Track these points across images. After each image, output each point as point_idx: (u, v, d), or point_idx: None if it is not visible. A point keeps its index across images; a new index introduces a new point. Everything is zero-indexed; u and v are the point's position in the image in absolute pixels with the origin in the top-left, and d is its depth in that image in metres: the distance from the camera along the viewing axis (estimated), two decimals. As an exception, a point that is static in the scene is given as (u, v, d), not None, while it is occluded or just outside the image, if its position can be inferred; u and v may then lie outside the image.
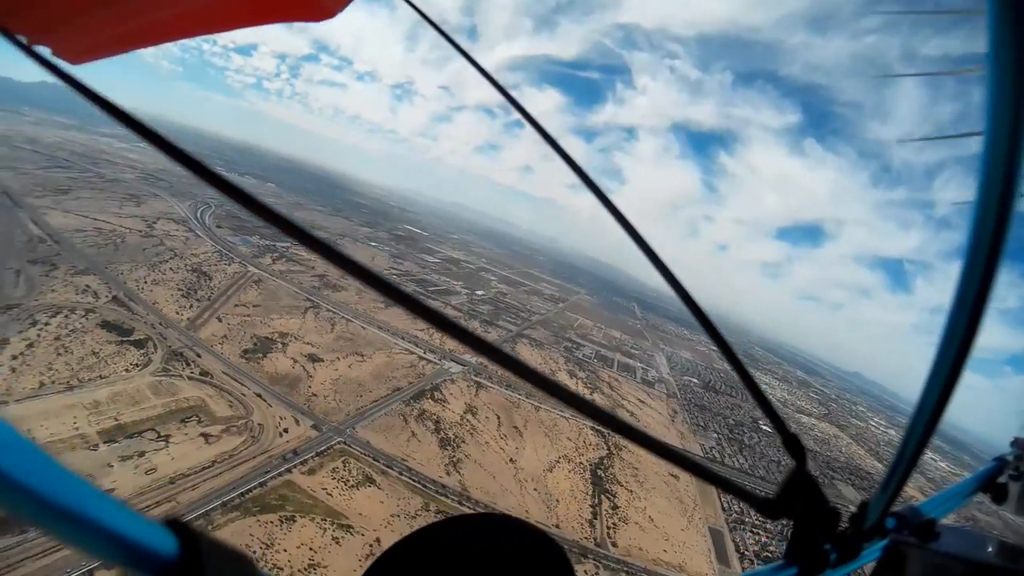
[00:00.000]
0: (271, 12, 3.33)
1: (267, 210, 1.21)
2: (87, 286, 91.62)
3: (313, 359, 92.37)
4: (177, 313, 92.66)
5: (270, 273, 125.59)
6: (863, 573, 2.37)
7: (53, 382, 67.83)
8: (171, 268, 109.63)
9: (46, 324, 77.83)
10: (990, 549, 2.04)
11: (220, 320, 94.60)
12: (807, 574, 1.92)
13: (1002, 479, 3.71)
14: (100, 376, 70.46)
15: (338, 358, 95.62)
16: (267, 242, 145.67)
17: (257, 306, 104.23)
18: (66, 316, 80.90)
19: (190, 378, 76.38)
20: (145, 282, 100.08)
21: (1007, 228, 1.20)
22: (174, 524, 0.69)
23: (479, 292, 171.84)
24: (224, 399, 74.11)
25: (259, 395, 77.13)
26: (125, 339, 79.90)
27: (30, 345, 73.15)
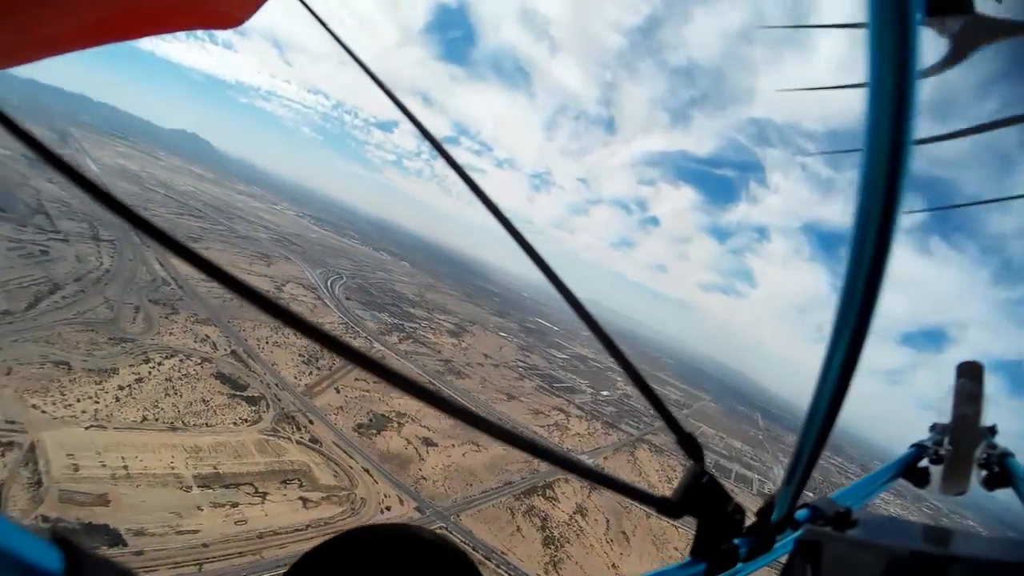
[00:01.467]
0: (177, 20, 3.46)
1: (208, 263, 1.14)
2: (207, 336, 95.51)
3: (427, 443, 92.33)
4: (295, 377, 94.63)
5: (395, 352, 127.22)
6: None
7: (156, 419, 70.15)
8: (294, 333, 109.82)
9: (159, 364, 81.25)
10: (913, 534, 2.17)
11: (338, 391, 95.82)
12: (716, 570, 2.03)
13: (922, 464, 4.09)
14: (206, 424, 72.69)
15: (453, 445, 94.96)
16: (395, 320, 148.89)
17: (377, 382, 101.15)
18: (181, 360, 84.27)
19: (298, 442, 77.35)
20: (267, 342, 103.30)
21: (899, 188, 1.21)
22: (60, 540, 0.71)
23: (604, 392, 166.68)
24: (330, 468, 74.80)
25: (367, 470, 77.85)
26: (238, 393, 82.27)
27: (139, 380, 76.33)
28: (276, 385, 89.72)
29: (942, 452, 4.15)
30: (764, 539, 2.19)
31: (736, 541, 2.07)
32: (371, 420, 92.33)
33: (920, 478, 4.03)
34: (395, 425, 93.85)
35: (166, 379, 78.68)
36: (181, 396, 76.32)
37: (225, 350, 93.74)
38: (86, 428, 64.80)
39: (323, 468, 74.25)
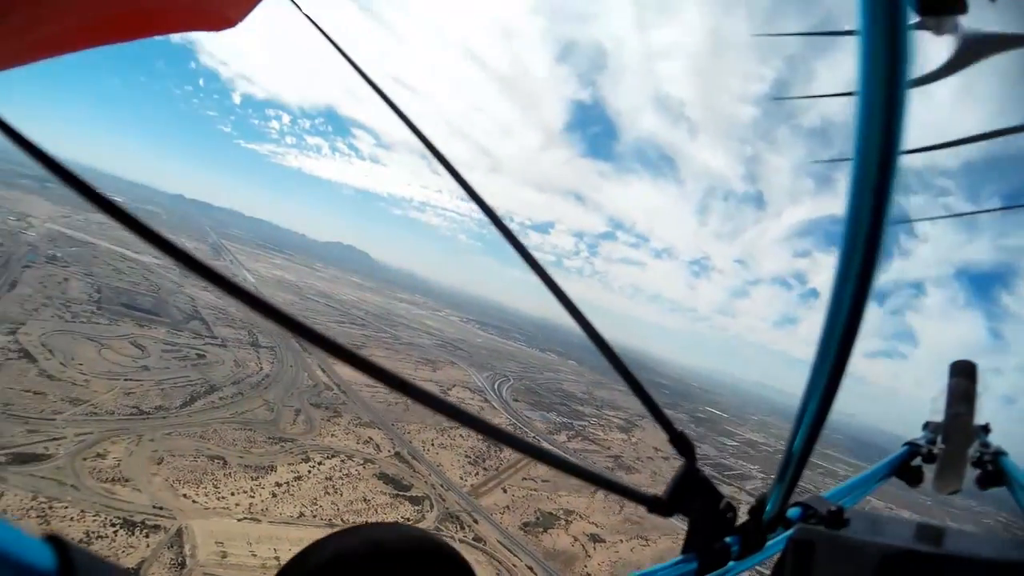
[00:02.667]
0: (171, 22, 3.61)
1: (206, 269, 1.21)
2: (370, 438, 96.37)
3: (595, 539, 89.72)
4: (461, 478, 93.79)
5: (564, 450, 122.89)
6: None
7: (314, 516, 70.01)
8: (461, 435, 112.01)
9: (319, 463, 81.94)
10: (905, 532, 2.30)
11: (505, 491, 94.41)
12: (707, 568, 2.12)
13: (915, 463, 4.24)
14: (365, 523, 67.44)
15: (621, 540, 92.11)
16: (564, 419, 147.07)
17: (546, 481, 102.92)
18: (342, 461, 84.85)
19: (461, 541, 75.56)
20: (432, 444, 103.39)
21: (890, 189, 1.30)
22: (52, 539, 0.73)
23: (773, 477, 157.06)
24: (492, 566, 73.74)
25: (530, 568, 76.33)
26: (401, 493, 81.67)
27: (298, 478, 76.87)
28: (441, 485, 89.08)
29: (935, 451, 4.30)
30: (756, 537, 2.26)
31: (728, 539, 2.16)
32: (538, 518, 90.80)
33: (913, 477, 4.15)
34: (562, 522, 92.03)
35: (326, 478, 78.80)
36: (341, 495, 76.24)
37: (389, 451, 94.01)
38: (239, 520, 64.89)
39: (486, 566, 73.09)
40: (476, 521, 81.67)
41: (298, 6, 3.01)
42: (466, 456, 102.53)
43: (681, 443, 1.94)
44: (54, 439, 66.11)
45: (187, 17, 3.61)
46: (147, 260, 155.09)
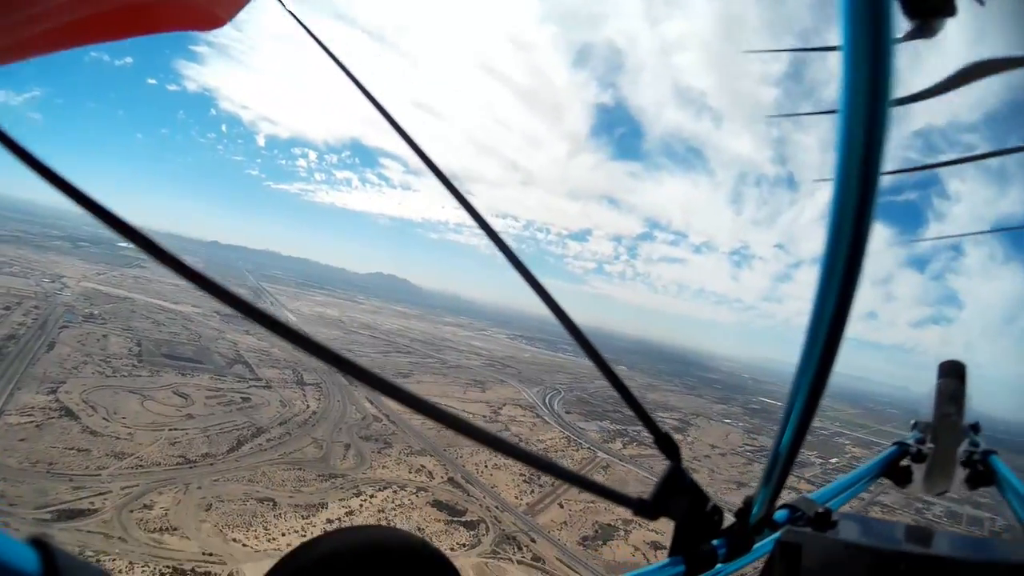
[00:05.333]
0: (159, 21, 3.67)
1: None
2: (422, 466, 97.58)
3: (655, 546, 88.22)
4: (516, 498, 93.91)
5: (619, 458, 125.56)
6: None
7: None
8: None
9: (371, 496, 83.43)
10: (893, 534, 2.37)
11: (562, 507, 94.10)
12: (694, 570, 2.14)
13: (904, 463, 4.36)
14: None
15: None
16: (618, 426, 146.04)
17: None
18: (395, 491, 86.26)
19: (519, 562, 76.54)
20: (485, 466, 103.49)
21: (871, 208, 1.34)
22: (37, 541, 0.75)
23: (833, 460, 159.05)
24: None
25: None
26: (456, 519, 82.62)
27: (350, 513, 78.43)
28: (496, 507, 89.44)
29: (924, 451, 4.40)
30: (743, 540, 2.28)
31: (715, 542, 2.18)
32: (596, 531, 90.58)
33: (902, 477, 4.25)
34: (621, 533, 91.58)
35: (379, 510, 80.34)
36: (396, 525, 75.62)
37: (442, 478, 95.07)
38: None
39: (546, 587, 73.39)
40: (534, 540, 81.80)
41: (284, 5, 3.11)
42: (520, 475, 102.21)
43: (665, 444, 2.02)
44: (100, 494, 68.16)
45: (177, 16, 3.73)
46: (186, 310, 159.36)
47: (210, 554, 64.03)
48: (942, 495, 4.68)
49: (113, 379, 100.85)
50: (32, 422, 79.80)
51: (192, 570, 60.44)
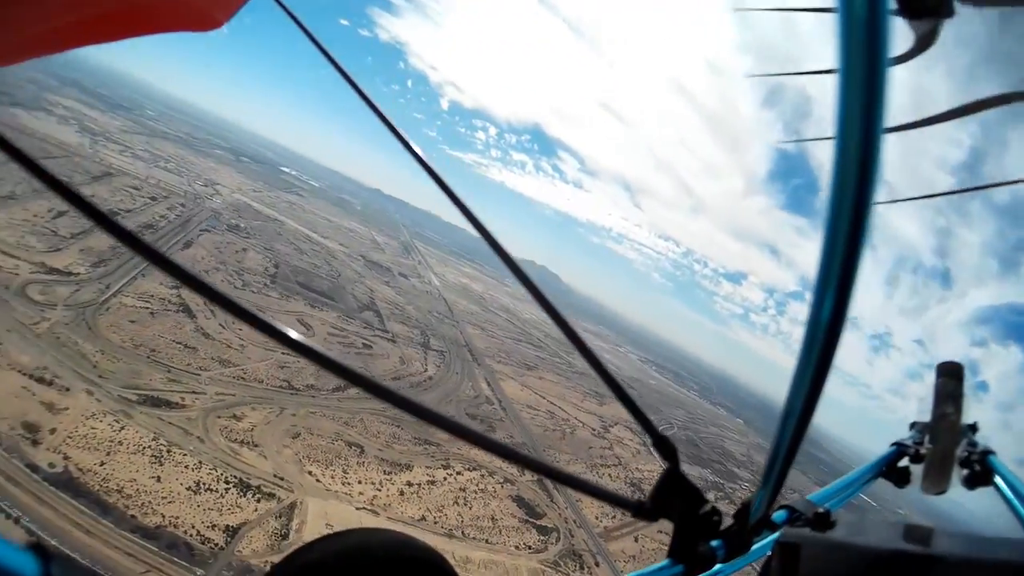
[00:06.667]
0: (159, 22, 3.91)
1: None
2: None
3: None
4: (596, 519, 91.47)
5: None
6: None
7: (436, 523, 71.54)
8: (610, 475, 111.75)
9: (458, 473, 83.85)
10: (893, 534, 2.24)
11: (636, 540, 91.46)
12: (693, 572, 2.17)
13: (902, 463, 4.44)
14: (486, 540, 73.38)
15: None
16: (717, 479, 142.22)
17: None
18: (482, 475, 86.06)
19: None
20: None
21: (869, 200, 1.35)
22: (35, 547, 0.77)
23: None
24: None
25: None
26: (530, 520, 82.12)
27: (431, 482, 79.07)
28: (574, 521, 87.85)
29: (923, 451, 4.49)
30: (741, 541, 2.29)
31: (713, 543, 2.17)
32: None
33: (901, 477, 4.32)
34: None
35: (460, 488, 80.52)
36: (470, 508, 77.43)
37: (532, 476, 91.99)
38: (357, 508, 67.05)
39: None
40: (597, 564, 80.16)
41: (281, 4, 3.19)
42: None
43: (664, 447, 1.96)
44: (193, 392, 71.26)
45: (175, 17, 3.87)
46: (332, 246, 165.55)
47: (281, 479, 65.22)
48: (940, 495, 4.41)
49: (241, 292, 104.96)
50: (147, 308, 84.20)
51: (258, 487, 61.93)
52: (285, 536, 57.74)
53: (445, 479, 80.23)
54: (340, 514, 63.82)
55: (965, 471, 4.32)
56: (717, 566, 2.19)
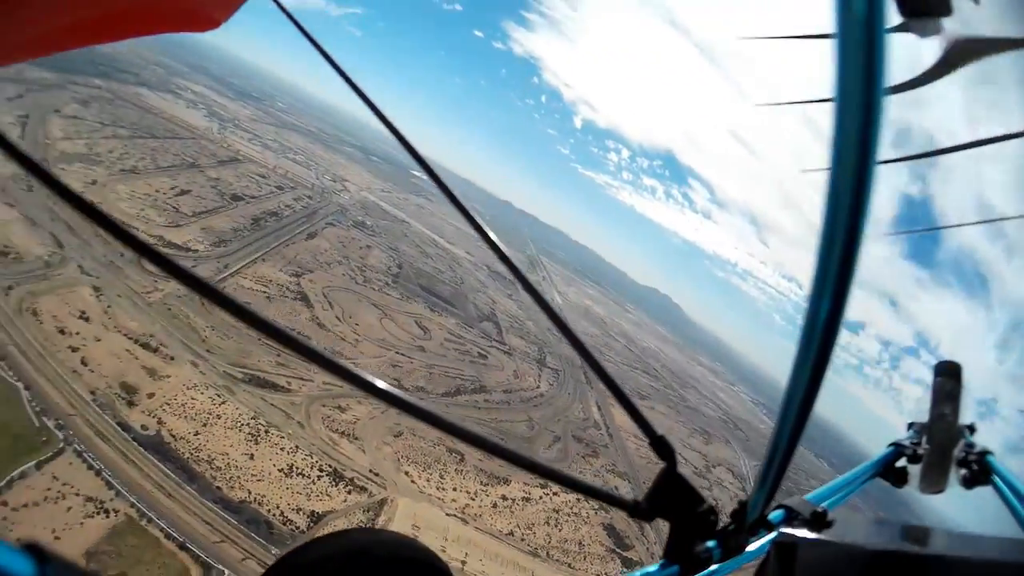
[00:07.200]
0: (157, 23, 3.92)
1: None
2: (616, 487, 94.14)
3: None
4: None
5: None
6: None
7: (523, 540, 70.97)
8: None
9: (555, 494, 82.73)
10: (890, 533, 2.34)
11: None
12: (689, 572, 2.18)
13: (900, 464, 4.36)
14: (569, 565, 72.62)
15: None
16: None
17: None
18: (578, 499, 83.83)
19: None
20: None
21: (866, 197, 1.38)
22: (31, 547, 0.77)
23: None
24: None
25: None
26: (617, 550, 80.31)
27: (526, 499, 78.64)
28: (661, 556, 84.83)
29: (920, 451, 4.42)
30: (738, 541, 2.30)
31: (710, 543, 2.19)
32: None
33: (898, 477, 4.25)
34: None
35: (554, 509, 79.62)
36: (560, 530, 76.70)
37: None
38: (447, 514, 67.30)
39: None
40: None
41: (279, 4, 3.21)
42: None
43: (661, 446, 1.99)
44: (300, 379, 73.30)
45: (173, 18, 3.90)
46: (458, 253, 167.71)
47: (376, 474, 66.00)
48: (938, 495, 4.41)
49: (361, 287, 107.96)
50: (264, 292, 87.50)
51: (351, 479, 62.91)
52: (368, 531, 57.69)
53: (540, 498, 79.51)
54: (429, 517, 64.21)
55: (963, 471, 4.33)
56: (713, 566, 2.17)
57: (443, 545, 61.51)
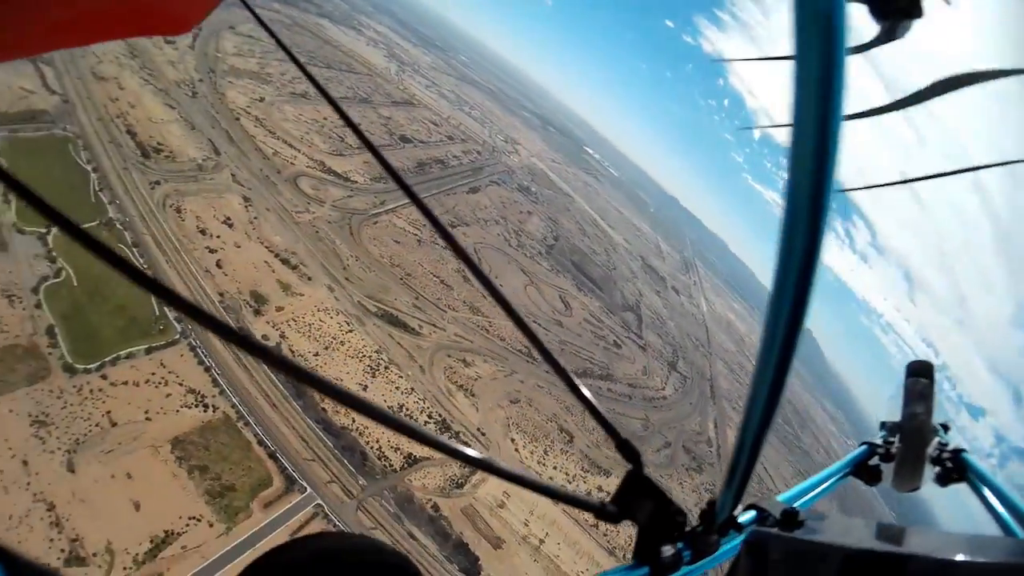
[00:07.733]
0: (130, 27, 4.08)
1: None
2: (710, 505, 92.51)
3: None
4: None
5: None
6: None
7: (604, 535, 71.08)
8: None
9: None
10: (863, 533, 2.38)
11: None
12: (659, 574, 2.20)
13: (873, 462, 4.55)
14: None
15: None
16: None
17: None
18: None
19: None
20: None
21: (824, 207, 1.41)
22: (1, 550, 0.78)
23: None
24: None
25: None
26: None
27: None
28: None
29: (893, 450, 4.57)
30: (708, 542, 2.35)
31: (680, 544, 2.22)
32: None
33: (871, 476, 4.43)
34: None
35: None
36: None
37: None
38: None
39: None
40: None
41: (249, 8, 3.40)
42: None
43: (626, 449, 2.01)
44: (432, 324, 75.14)
45: (144, 22, 4.03)
46: (617, 238, 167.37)
47: (483, 433, 67.27)
48: (913, 492, 4.61)
49: (513, 251, 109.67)
50: (416, 236, 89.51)
51: (457, 434, 64.30)
52: (460, 486, 59.45)
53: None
54: (519, 490, 63.24)
55: (938, 469, 4.45)
56: (683, 568, 2.18)
57: (527, 519, 62.39)
